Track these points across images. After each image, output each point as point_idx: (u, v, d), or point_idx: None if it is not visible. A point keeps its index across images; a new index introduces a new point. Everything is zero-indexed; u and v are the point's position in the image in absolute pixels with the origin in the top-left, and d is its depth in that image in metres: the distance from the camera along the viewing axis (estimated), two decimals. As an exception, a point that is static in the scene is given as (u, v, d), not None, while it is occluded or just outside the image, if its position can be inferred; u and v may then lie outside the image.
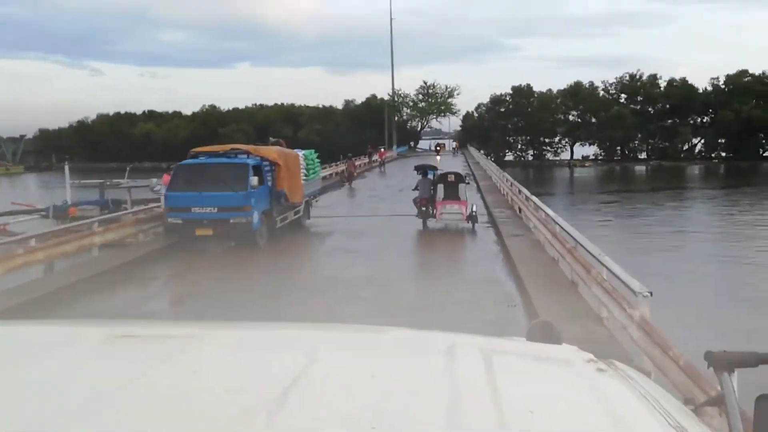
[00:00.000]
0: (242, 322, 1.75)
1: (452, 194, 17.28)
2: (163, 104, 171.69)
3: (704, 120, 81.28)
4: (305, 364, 1.18)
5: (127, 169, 30.58)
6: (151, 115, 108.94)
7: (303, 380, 1.09)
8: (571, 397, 1.15)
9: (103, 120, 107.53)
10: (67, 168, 27.39)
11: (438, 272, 11.87)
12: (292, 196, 16.18)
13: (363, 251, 14.49)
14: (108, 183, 26.28)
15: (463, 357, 1.26)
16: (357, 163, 48.81)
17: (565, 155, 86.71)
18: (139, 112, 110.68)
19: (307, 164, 18.77)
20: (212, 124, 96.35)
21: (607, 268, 8.04)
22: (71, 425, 0.96)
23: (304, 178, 18.12)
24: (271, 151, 15.90)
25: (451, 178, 17.57)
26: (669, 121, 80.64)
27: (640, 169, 76.68)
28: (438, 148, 76.71)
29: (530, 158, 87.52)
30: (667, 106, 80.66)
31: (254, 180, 14.20)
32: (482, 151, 75.73)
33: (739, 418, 1.15)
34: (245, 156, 15.23)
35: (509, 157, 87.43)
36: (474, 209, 17.47)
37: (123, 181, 26.25)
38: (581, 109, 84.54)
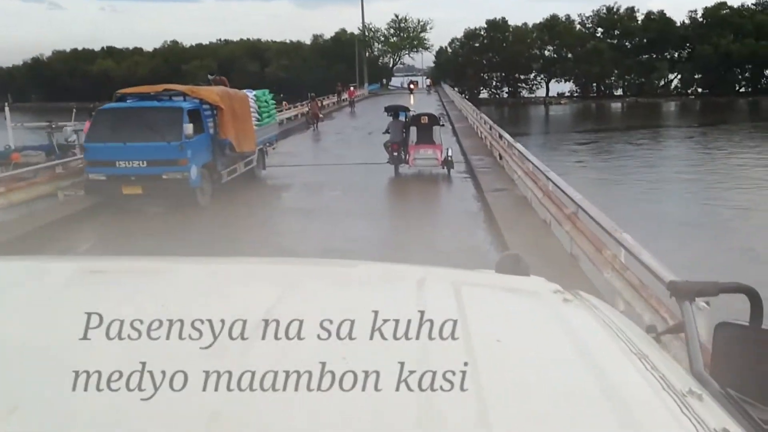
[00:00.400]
0: (213, 257, 1.75)
1: (426, 138, 15.82)
2: (125, 40, 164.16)
3: (681, 55, 79.28)
4: (277, 297, 1.20)
5: (74, 110, 27.81)
6: (110, 52, 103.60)
7: (275, 312, 1.11)
8: (537, 326, 1.19)
9: (60, 57, 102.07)
10: (7, 109, 24.63)
11: (410, 242, 9.89)
12: (241, 145, 13.88)
13: (325, 211, 12.48)
14: (54, 126, 23.78)
15: (434, 289, 1.30)
16: (326, 102, 46.15)
17: (541, 92, 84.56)
18: (97, 48, 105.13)
19: (260, 106, 16.45)
20: (174, 60, 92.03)
21: (627, 249, 6.13)
22: (39, 360, 0.98)
23: (257, 122, 15.84)
24: (212, 93, 13.32)
25: (425, 120, 16.08)
26: (646, 56, 78.49)
27: (616, 106, 75.02)
28: (411, 86, 71.63)
29: (505, 95, 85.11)
30: (644, 40, 78.28)
31: (190, 127, 11.85)
32: (456, 89, 73.27)
33: (698, 344, 1.19)
34: (180, 98, 12.83)
35: (484, 94, 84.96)
36: (449, 154, 16.07)
37: (69, 123, 23.81)
38: (557, 44, 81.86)
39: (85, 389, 0.87)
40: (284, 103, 50.04)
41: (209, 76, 17.57)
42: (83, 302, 1.18)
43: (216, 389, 0.87)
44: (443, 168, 15.85)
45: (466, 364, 0.94)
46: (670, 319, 4.84)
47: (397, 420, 0.83)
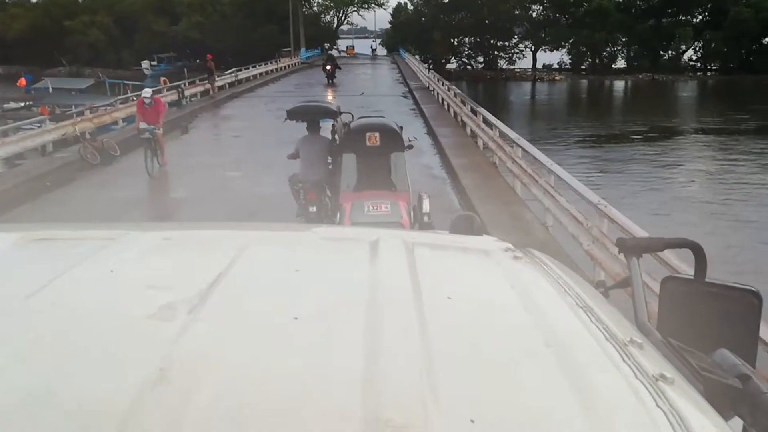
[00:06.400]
0: (165, 222, 1.84)
1: (377, 176, 7.24)
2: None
3: (706, 19, 61.97)
4: (229, 261, 1.17)
5: None
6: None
7: (226, 276, 1.10)
8: (486, 283, 1.22)
9: None
10: None
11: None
12: None
13: None
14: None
15: (386, 249, 1.28)
16: (196, 89, 27.38)
17: (523, 64, 66.76)
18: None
19: None
20: (57, 14, 71.30)
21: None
22: None
23: None
24: None
25: (374, 138, 7.25)
26: (664, 20, 61.02)
27: (621, 84, 57.71)
28: (328, 67, 34.07)
29: (480, 67, 67.07)
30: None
31: None
32: (417, 56, 55.44)
33: (642, 298, 1.29)
34: None
35: (453, 65, 66.93)
36: (425, 209, 7.14)
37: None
38: (547, 4, 63.91)
39: (30, 355, 0.86)
40: (162, 80, 32.04)
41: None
42: (27, 269, 1.17)
43: (164, 350, 0.86)
44: None
45: (415, 321, 0.96)
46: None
47: (342, 377, 0.83)
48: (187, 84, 27.13)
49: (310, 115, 8.05)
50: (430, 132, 18.36)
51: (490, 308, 1.08)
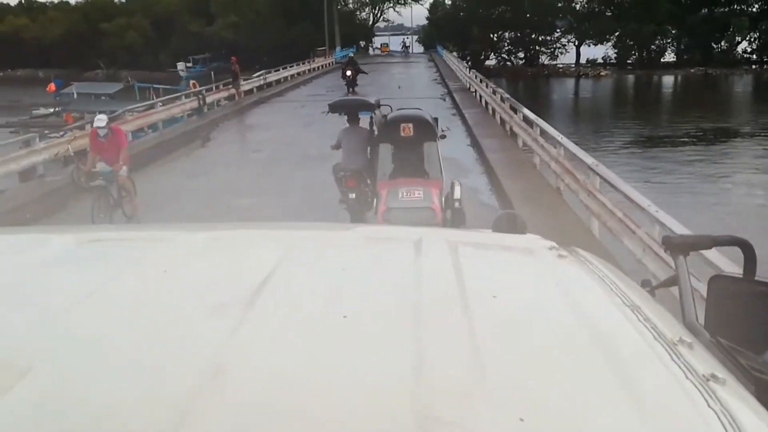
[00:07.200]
0: (214, 223, 1.80)
1: (411, 165, 7.80)
2: None
3: (763, 8, 58.32)
4: (277, 261, 1.19)
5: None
6: (29, 7, 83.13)
7: (276, 276, 1.12)
8: (531, 282, 1.22)
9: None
10: None
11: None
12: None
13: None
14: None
15: (430, 248, 1.29)
16: (217, 96, 25.38)
17: (565, 59, 64.18)
18: (14, 2, 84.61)
19: None
20: (95, 17, 71.51)
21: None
22: (44, 329, 0.97)
23: None
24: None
25: (407, 128, 7.77)
26: (717, 10, 57.82)
27: (672, 80, 54.68)
28: (348, 72, 27.82)
29: (520, 63, 64.75)
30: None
31: None
32: (455, 53, 53.54)
33: (690, 297, 1.25)
34: None
35: (492, 61, 64.77)
36: (457, 195, 7.61)
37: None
38: (592, -5, 61.27)
39: (94, 351, 0.89)
40: (192, 83, 30.87)
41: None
42: (85, 269, 1.21)
43: (220, 346, 0.88)
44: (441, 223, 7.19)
45: (462, 319, 0.96)
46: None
47: (392, 374, 0.84)
48: (213, 88, 25.91)
49: (350, 108, 8.66)
50: (475, 143, 16.34)
51: (536, 307, 1.07)
